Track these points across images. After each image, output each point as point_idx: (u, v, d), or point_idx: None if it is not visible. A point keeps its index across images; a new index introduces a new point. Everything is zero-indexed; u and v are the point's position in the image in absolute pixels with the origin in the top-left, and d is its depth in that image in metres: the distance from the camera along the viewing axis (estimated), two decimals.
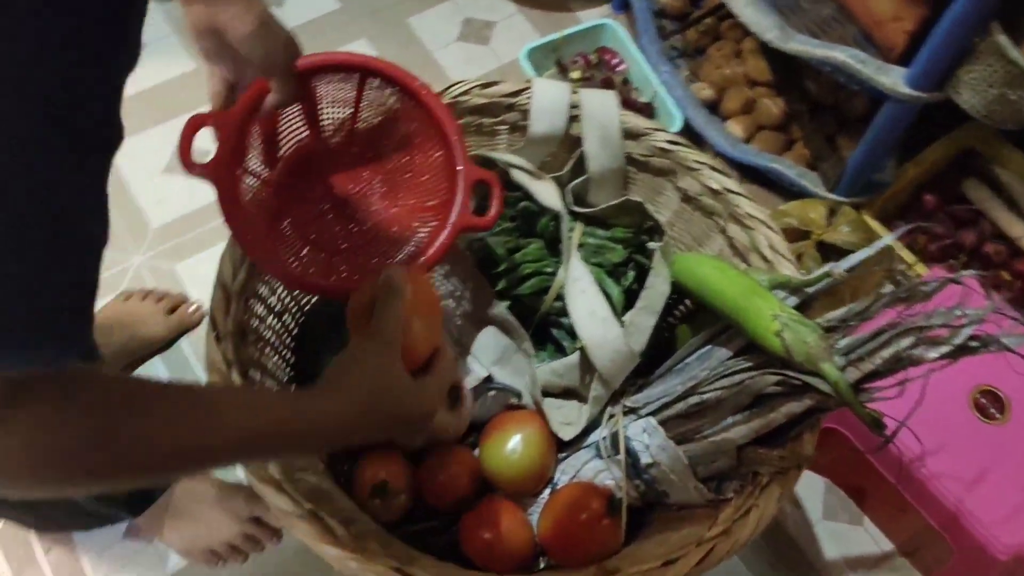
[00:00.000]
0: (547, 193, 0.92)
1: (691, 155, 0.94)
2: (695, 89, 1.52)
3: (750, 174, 1.50)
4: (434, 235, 0.83)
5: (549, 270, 0.92)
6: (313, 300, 0.98)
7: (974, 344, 0.74)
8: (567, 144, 0.97)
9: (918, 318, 0.74)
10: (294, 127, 0.84)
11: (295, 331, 0.97)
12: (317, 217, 0.86)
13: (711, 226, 0.96)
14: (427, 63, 1.63)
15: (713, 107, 1.53)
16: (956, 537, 1.11)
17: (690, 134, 1.53)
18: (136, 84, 1.51)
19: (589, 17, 1.67)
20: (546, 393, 0.93)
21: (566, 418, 0.91)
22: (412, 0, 1.70)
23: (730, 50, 1.54)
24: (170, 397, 0.54)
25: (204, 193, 1.44)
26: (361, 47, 1.64)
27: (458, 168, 0.83)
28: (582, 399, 0.92)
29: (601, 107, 0.94)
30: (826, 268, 0.84)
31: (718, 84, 1.52)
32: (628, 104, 1.51)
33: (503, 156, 0.93)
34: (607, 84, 1.54)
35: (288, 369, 0.93)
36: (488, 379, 0.90)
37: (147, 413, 0.51)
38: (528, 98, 0.94)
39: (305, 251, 0.85)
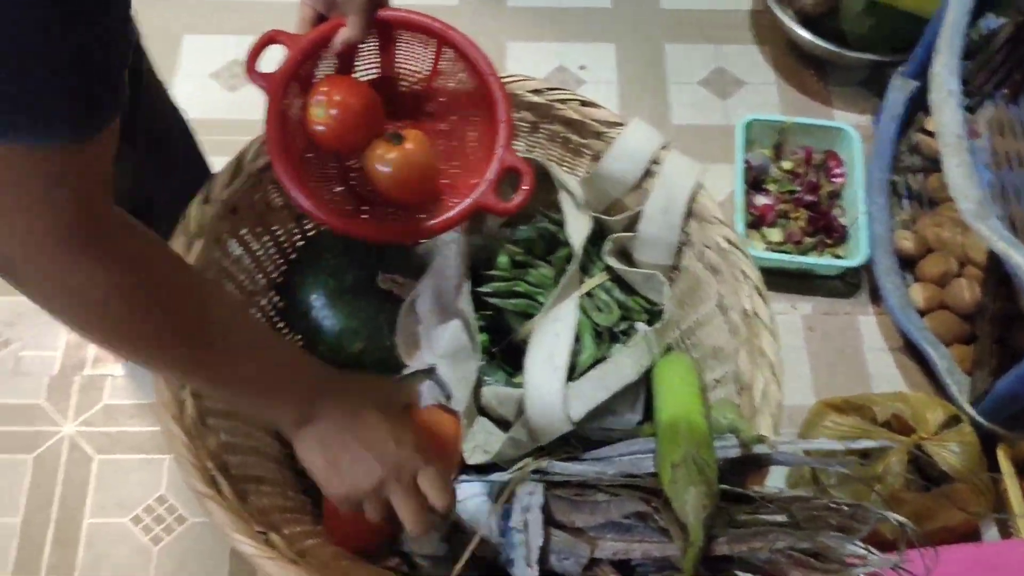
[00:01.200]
0: (577, 229, 0.87)
1: (742, 263, 0.85)
2: (898, 235, 1.36)
3: (911, 348, 1.32)
4: (454, 207, 0.83)
5: (541, 300, 0.88)
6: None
7: None
8: (639, 196, 0.91)
9: (818, 533, 0.63)
10: (365, 70, 0.87)
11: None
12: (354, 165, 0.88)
13: (730, 344, 0.86)
14: (658, 90, 1.59)
15: (909, 262, 1.36)
16: None
17: (869, 274, 1.38)
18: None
19: (843, 120, 1.54)
20: (483, 412, 0.90)
21: (485, 444, 0.88)
22: (677, 30, 1.67)
23: None
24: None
25: (242, 108, 1.50)
26: (604, 50, 1.64)
27: (496, 150, 0.82)
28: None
29: (680, 175, 0.88)
30: (781, 439, 0.73)
31: (927, 242, 1.35)
32: (823, 217, 1.38)
33: (559, 174, 0.90)
34: (812, 188, 1.42)
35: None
36: (430, 369, 0.89)
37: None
38: (618, 133, 0.90)
39: (335, 190, 0.88)
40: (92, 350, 1.32)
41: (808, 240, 1.38)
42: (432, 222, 0.84)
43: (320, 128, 0.80)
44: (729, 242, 0.86)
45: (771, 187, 1.43)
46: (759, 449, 0.73)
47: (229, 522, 0.71)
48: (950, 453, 1.11)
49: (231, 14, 1.65)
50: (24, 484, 1.22)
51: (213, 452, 0.76)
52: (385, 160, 0.82)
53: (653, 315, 0.89)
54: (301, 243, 0.99)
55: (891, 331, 1.36)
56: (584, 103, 0.91)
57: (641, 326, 0.85)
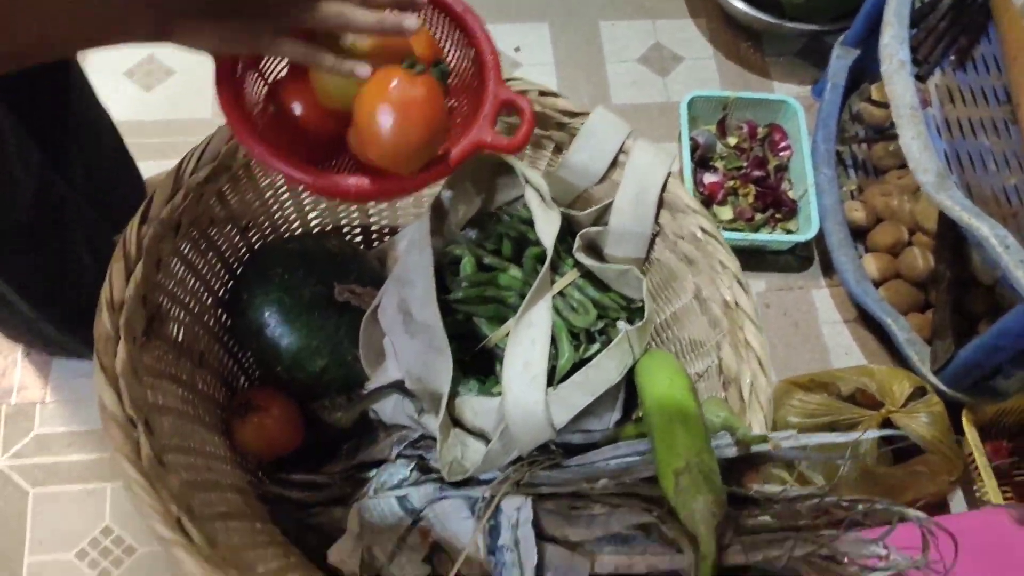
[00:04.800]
0: (547, 226, 0.83)
1: (719, 253, 0.82)
2: (848, 207, 1.36)
3: (868, 320, 1.32)
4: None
5: (513, 303, 0.84)
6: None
7: None
8: (606, 187, 0.87)
9: (838, 536, 0.61)
10: None
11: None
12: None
13: (709, 338, 0.84)
14: (596, 69, 1.55)
15: (860, 233, 1.36)
16: None
17: (820, 247, 1.38)
18: None
19: (783, 93, 1.53)
20: (459, 425, 0.85)
21: (462, 458, 0.83)
22: (611, 7, 1.63)
23: (911, 183, 1.36)
24: None
25: (160, 108, 1.41)
26: (538, 30, 1.59)
27: (488, 84, 0.71)
28: None
29: (649, 165, 0.84)
30: (782, 434, 0.71)
31: (876, 212, 1.35)
32: (772, 191, 1.37)
33: (524, 169, 0.85)
34: (760, 163, 1.40)
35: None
36: (398, 383, 0.84)
37: None
38: (582, 123, 0.86)
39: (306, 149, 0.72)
40: (17, 377, 1.23)
41: (759, 216, 1.36)
42: (425, 172, 0.69)
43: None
44: (704, 231, 0.83)
45: (718, 164, 1.41)
46: (759, 448, 0.71)
47: (202, 571, 0.65)
48: (919, 424, 1.11)
49: None
50: None
51: (176, 494, 0.69)
52: (397, 96, 0.64)
53: (630, 312, 0.85)
54: (247, 256, 0.92)
55: (846, 303, 1.35)
56: (544, 92, 0.87)
57: (622, 325, 0.81)
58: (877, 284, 1.31)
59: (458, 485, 0.83)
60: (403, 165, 0.67)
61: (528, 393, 0.78)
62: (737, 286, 0.81)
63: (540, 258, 0.84)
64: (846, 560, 0.60)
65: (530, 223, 0.85)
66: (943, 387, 1.18)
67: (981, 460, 1.15)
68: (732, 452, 0.72)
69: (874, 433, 0.67)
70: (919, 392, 1.14)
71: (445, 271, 0.85)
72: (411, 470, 0.86)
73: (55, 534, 1.14)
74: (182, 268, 0.83)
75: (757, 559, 0.62)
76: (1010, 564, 0.97)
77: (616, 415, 0.86)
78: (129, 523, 1.14)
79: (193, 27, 0.57)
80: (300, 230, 0.97)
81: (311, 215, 0.97)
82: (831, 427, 1.15)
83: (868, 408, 1.14)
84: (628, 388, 0.85)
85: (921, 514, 0.60)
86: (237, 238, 0.90)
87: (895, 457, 1.17)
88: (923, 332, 1.25)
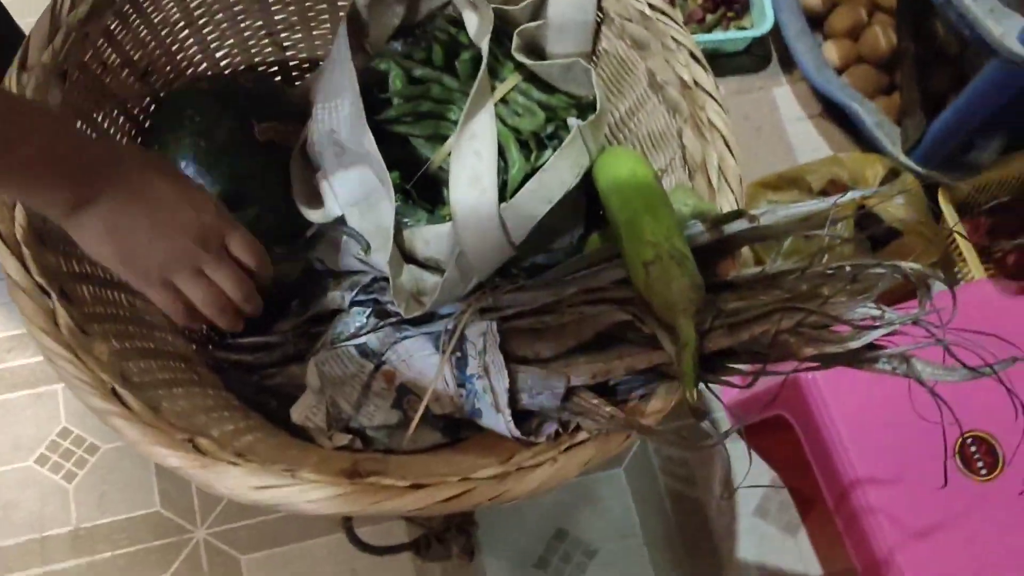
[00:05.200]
0: (479, 26, 0.74)
1: (671, 30, 0.74)
2: None
3: (834, 111, 1.26)
4: None
5: (452, 117, 0.76)
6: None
7: (869, 356, 0.55)
8: None
9: (826, 300, 0.56)
10: None
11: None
12: None
13: (670, 127, 0.77)
14: None
15: (817, 20, 1.28)
16: None
17: (777, 42, 1.30)
18: None
19: None
20: (411, 259, 0.78)
21: (418, 293, 0.77)
22: None
23: None
24: None
25: None
26: None
27: None
28: None
29: None
30: (759, 210, 0.65)
31: None
32: None
33: None
34: None
35: None
36: (340, 220, 0.76)
37: None
38: None
39: None
40: None
41: (710, 17, 1.27)
42: None
43: None
44: (653, 7, 0.75)
45: None
46: (733, 228, 0.65)
47: (144, 437, 0.59)
48: (896, 206, 1.06)
49: None
50: None
51: (105, 362, 0.63)
52: None
53: (581, 109, 0.77)
54: (152, 106, 0.83)
55: (808, 98, 1.29)
56: None
57: (573, 121, 0.74)
58: (840, 71, 1.24)
59: (418, 323, 0.78)
60: None
61: (479, 209, 0.71)
62: (694, 63, 0.74)
63: (476, 62, 0.76)
64: (838, 326, 0.55)
65: (461, 25, 0.76)
66: (917, 167, 1.12)
67: (961, 238, 1.11)
68: (705, 238, 0.66)
69: (855, 194, 0.61)
70: (892, 175, 1.09)
71: (373, 92, 0.77)
72: (367, 316, 0.80)
73: (9, 442, 1.08)
74: (79, 123, 0.74)
75: (743, 338, 0.57)
76: (1002, 330, 0.94)
77: (580, 229, 0.80)
78: (87, 420, 1.09)
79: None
80: (209, 72, 0.87)
81: (219, 54, 0.87)
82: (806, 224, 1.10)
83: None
84: (592, 202, 0.78)
85: (915, 265, 0.55)
86: (137, 85, 0.80)
87: (873, 248, 1.12)
88: (891, 114, 1.19)
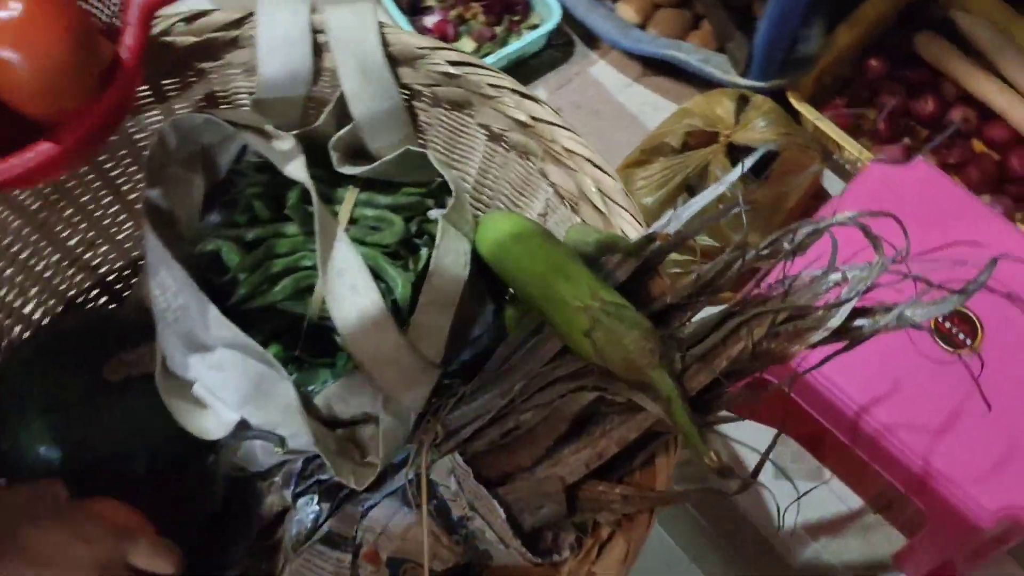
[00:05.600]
0: (287, 158, 0.66)
1: (485, 78, 0.67)
2: None
3: (656, 66, 1.22)
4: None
5: (308, 263, 0.67)
6: None
7: (862, 325, 0.49)
8: (328, 81, 0.71)
9: (771, 297, 0.50)
10: None
11: None
12: None
13: (530, 170, 0.70)
14: None
15: None
16: (928, 501, 0.89)
17: (572, 24, 1.26)
18: None
19: None
20: (338, 424, 0.70)
21: (361, 456, 0.68)
22: None
23: None
24: None
25: None
26: None
27: None
28: None
29: (355, 27, 0.68)
30: (654, 228, 0.59)
31: None
32: (497, 0, 1.23)
33: (230, 115, 0.67)
34: None
35: None
36: (241, 423, 0.67)
37: None
38: (252, 29, 0.68)
39: None
40: None
41: (499, 29, 1.23)
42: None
43: None
44: (455, 63, 0.68)
45: (431, 2, 1.25)
46: (649, 250, 0.59)
47: None
48: (760, 131, 1.03)
49: None
50: None
51: None
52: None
53: (434, 194, 0.70)
54: None
55: (625, 63, 1.25)
56: (190, 18, 0.68)
57: (434, 212, 0.67)
58: (642, 26, 1.21)
59: (375, 487, 0.69)
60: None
61: (381, 343, 0.63)
62: (524, 100, 0.68)
63: (305, 196, 0.68)
64: (810, 311, 0.50)
65: (271, 167, 0.68)
66: (759, 83, 1.10)
67: (829, 127, 1.09)
68: (626, 272, 0.60)
69: (756, 155, 0.56)
70: (743, 102, 1.06)
71: (210, 278, 0.68)
72: (317, 503, 0.71)
73: None
74: None
75: (721, 366, 0.51)
76: (926, 206, 0.92)
77: (491, 306, 0.74)
78: None
79: None
80: (27, 334, 0.76)
81: (27, 309, 0.76)
82: (688, 187, 1.06)
83: (707, 145, 1.05)
84: (491, 274, 0.72)
85: (847, 213, 0.50)
86: None
87: (756, 175, 1.09)
88: (711, 47, 1.16)
